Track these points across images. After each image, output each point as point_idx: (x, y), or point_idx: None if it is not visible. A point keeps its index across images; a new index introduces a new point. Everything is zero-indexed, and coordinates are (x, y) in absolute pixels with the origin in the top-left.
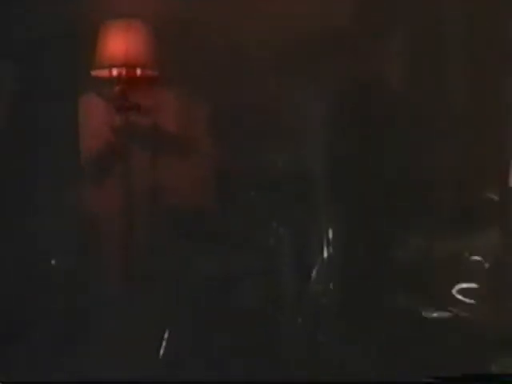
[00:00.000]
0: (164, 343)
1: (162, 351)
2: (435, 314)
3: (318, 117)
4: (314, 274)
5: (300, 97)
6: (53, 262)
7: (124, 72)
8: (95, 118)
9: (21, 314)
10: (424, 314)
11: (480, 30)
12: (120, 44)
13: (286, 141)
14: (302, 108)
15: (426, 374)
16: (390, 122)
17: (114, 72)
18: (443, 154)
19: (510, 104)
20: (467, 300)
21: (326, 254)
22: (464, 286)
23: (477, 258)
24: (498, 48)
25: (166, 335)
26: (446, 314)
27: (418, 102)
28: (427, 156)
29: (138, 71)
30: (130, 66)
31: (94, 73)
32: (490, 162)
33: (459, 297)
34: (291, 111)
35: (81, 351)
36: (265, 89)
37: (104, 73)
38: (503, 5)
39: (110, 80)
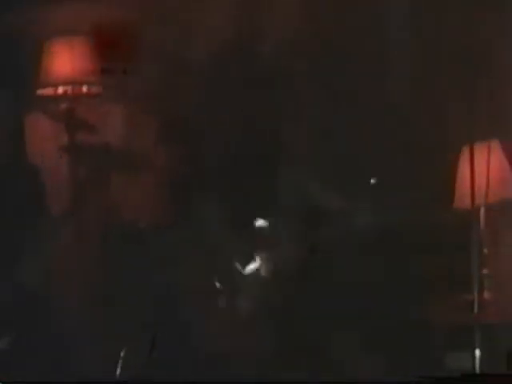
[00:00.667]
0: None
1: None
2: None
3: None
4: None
5: (249, 107)
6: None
7: (70, 90)
8: (42, 136)
9: None
10: None
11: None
12: (66, 61)
13: (235, 153)
14: (247, 119)
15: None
16: None
17: (60, 90)
18: None
19: None
20: None
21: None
22: None
23: None
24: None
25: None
26: None
27: None
28: None
29: (85, 88)
30: (76, 83)
31: (40, 91)
32: None
33: None
34: (238, 122)
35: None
36: (212, 101)
37: (50, 91)
38: None
39: (56, 98)
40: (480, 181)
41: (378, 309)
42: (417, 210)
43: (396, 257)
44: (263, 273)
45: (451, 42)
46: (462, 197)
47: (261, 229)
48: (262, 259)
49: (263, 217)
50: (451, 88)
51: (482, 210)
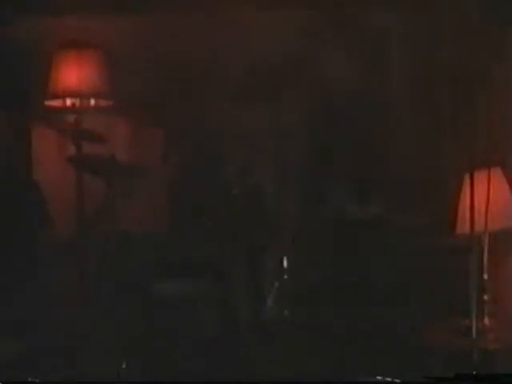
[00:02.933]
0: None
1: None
2: None
3: (272, 145)
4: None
5: (256, 122)
6: None
7: (78, 102)
8: (49, 148)
9: None
10: None
11: None
12: (74, 74)
13: (241, 165)
14: (257, 133)
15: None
16: None
17: (68, 102)
18: None
19: None
20: None
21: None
22: None
23: None
24: None
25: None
26: None
27: None
28: None
29: (92, 101)
30: (83, 96)
31: (48, 103)
32: None
33: None
34: (245, 137)
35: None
36: (217, 115)
37: (58, 103)
38: None
39: (64, 110)
40: (481, 207)
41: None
42: (418, 235)
43: (396, 279)
44: None
45: (452, 68)
46: (463, 222)
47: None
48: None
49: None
50: (452, 115)
51: (484, 236)
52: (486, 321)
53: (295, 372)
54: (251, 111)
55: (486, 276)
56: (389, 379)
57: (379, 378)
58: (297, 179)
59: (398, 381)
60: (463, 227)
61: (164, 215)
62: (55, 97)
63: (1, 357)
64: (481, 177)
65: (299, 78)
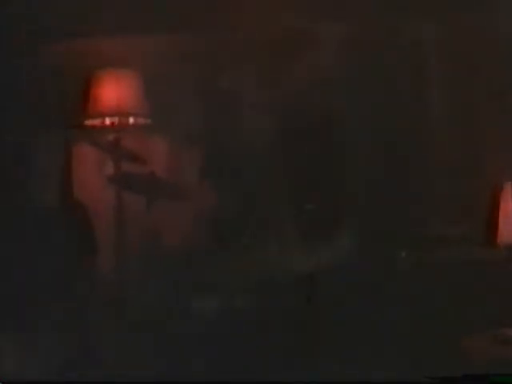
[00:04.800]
0: None
1: None
2: None
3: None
4: None
5: (293, 140)
6: None
7: (117, 121)
8: (89, 167)
9: None
10: None
11: None
12: (112, 93)
13: (274, 184)
14: (291, 151)
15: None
16: None
17: (107, 121)
18: None
19: None
20: None
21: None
22: None
23: None
24: None
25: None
26: None
27: None
28: None
29: (131, 120)
30: (123, 114)
31: (87, 122)
32: None
33: None
34: (284, 154)
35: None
36: (256, 134)
37: (97, 122)
38: None
39: (103, 129)
40: None
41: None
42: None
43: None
44: None
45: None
46: (504, 233)
47: None
48: None
49: None
50: (492, 122)
51: None
52: None
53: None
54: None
55: None
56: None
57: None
58: None
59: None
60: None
61: (203, 232)
62: (94, 116)
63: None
64: None
65: None
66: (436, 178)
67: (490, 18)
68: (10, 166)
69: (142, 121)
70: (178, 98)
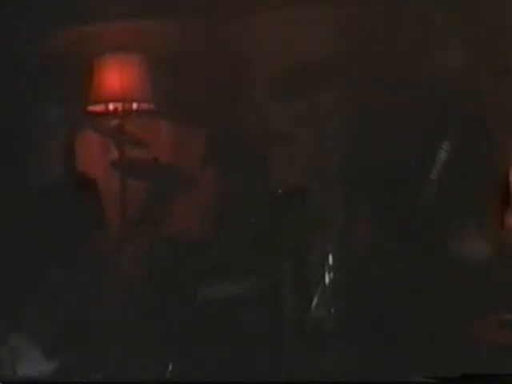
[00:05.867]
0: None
1: None
2: None
3: (316, 145)
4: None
5: (294, 124)
6: None
7: (121, 106)
8: (93, 152)
9: None
10: None
11: None
12: (116, 79)
13: (283, 167)
14: (296, 136)
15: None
16: None
17: (111, 106)
18: None
19: None
20: None
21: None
22: None
23: None
24: None
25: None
26: None
27: None
28: None
29: (135, 105)
30: (126, 100)
31: (91, 108)
32: None
33: None
34: (287, 139)
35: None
36: (259, 118)
37: (101, 107)
38: None
39: (107, 114)
40: None
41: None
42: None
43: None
44: None
45: None
46: None
47: None
48: None
49: None
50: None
51: None
52: None
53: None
54: (291, 110)
55: None
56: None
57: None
58: (341, 177)
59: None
60: None
61: (208, 218)
62: (98, 102)
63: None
64: None
65: None
66: None
67: None
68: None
69: (145, 106)
70: (183, 82)
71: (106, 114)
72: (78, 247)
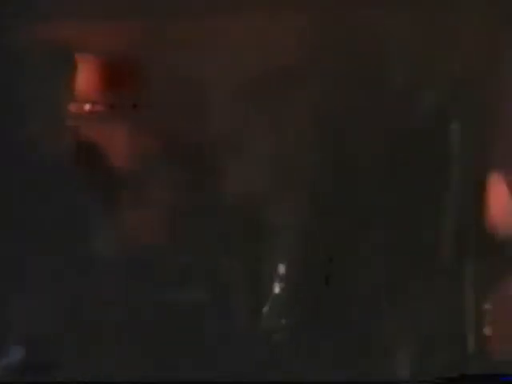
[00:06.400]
0: None
1: None
2: None
3: (270, 155)
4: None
5: (259, 131)
6: None
7: (77, 108)
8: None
9: None
10: None
11: None
12: (74, 80)
13: (235, 177)
14: (259, 143)
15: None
16: None
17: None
18: None
19: None
20: None
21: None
22: None
23: None
24: None
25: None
26: None
27: None
28: None
29: (87, 106)
30: (79, 101)
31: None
32: None
33: None
34: (247, 147)
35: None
36: (218, 124)
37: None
38: None
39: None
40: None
41: None
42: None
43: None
44: None
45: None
46: None
47: None
48: None
49: None
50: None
51: None
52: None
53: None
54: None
55: None
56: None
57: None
58: (294, 188)
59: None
60: None
61: (164, 224)
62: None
63: None
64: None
65: None
66: None
67: None
68: None
69: (99, 108)
70: (139, 84)
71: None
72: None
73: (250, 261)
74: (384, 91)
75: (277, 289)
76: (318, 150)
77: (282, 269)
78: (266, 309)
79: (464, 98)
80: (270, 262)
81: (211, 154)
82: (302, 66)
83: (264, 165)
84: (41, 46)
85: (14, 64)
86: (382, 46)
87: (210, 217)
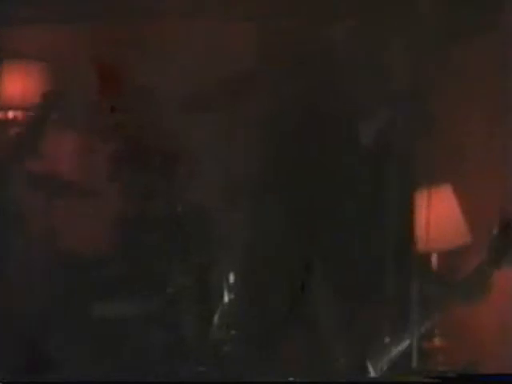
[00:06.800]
0: None
1: None
2: None
3: (221, 162)
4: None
5: (208, 136)
6: None
7: (20, 115)
8: None
9: None
10: None
11: None
12: (17, 86)
13: (186, 184)
14: (207, 147)
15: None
16: None
17: (10, 115)
18: None
19: None
20: None
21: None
22: None
23: None
24: None
25: None
26: None
27: None
28: None
29: (35, 114)
30: (27, 108)
31: None
32: None
33: None
34: (195, 151)
35: None
36: (165, 133)
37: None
38: None
39: (6, 123)
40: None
41: None
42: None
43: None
44: None
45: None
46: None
47: None
48: None
49: None
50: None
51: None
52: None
53: None
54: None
55: None
56: None
57: None
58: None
59: None
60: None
61: (110, 234)
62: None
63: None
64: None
65: None
66: None
67: None
68: None
69: (47, 115)
70: (88, 91)
71: (4, 122)
72: None
73: (200, 271)
74: (330, 101)
75: (226, 299)
76: (269, 155)
77: (231, 279)
78: (215, 319)
79: (408, 111)
80: (220, 273)
81: (162, 162)
82: (250, 76)
83: (215, 174)
84: None
85: None
86: (328, 56)
87: (159, 228)
